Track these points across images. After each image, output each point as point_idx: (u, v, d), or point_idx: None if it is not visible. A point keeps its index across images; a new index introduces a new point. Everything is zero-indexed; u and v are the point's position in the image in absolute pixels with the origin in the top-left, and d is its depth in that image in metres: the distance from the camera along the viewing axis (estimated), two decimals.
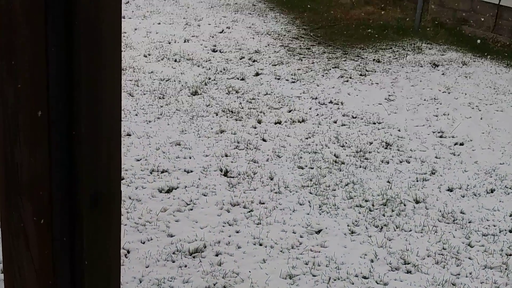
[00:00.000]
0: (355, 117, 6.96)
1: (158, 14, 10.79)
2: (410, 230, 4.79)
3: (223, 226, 4.66)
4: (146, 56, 8.51)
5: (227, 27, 10.25)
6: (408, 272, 4.29)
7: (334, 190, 5.32)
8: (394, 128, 6.73)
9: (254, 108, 7.01)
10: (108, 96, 1.90)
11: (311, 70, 8.40)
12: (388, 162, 5.93)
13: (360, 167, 5.78)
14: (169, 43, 9.21)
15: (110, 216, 2.05)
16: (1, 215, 2.00)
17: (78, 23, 1.74)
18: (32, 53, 1.78)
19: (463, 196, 5.39)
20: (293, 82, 7.96)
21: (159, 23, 10.21)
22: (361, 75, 8.36)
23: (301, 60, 8.82)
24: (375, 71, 8.53)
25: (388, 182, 5.53)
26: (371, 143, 6.32)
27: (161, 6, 11.40)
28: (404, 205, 5.15)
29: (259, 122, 6.66)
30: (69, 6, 1.75)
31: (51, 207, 1.93)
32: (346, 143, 6.27)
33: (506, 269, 4.38)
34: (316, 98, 7.44)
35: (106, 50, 1.84)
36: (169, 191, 5.10)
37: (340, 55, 9.17)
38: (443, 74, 8.54)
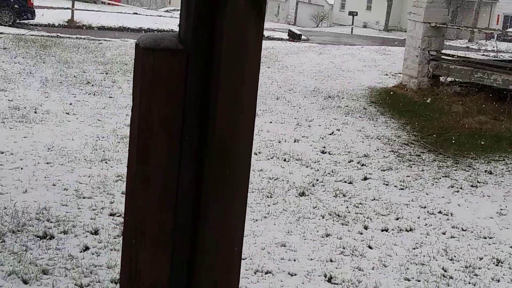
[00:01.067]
0: (465, 230, 6.78)
1: (270, 113, 11.04)
2: None
3: None
4: (256, 154, 8.68)
5: (337, 129, 10.35)
6: None
7: None
8: (506, 244, 6.50)
9: (361, 213, 6.96)
10: (233, 212, 1.95)
11: (421, 178, 8.31)
12: (498, 281, 5.71)
13: (469, 283, 5.59)
14: (279, 142, 9.38)
15: None
16: None
17: (211, 141, 1.83)
18: (166, 161, 1.87)
19: None
20: (402, 189, 7.88)
21: (270, 122, 10.44)
22: (472, 186, 8.19)
23: (411, 167, 8.75)
24: (487, 183, 8.33)
25: None
26: (481, 259, 6.11)
27: (273, 105, 11.67)
28: None
29: (366, 228, 6.60)
30: (204, 124, 1.84)
31: None
32: (454, 256, 6.10)
33: None
34: (425, 207, 7.33)
35: (236, 170, 1.91)
36: None
37: (451, 164, 9.04)
38: None
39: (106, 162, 7.67)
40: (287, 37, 27.78)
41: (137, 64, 1.95)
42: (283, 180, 7.78)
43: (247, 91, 2.08)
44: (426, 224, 6.84)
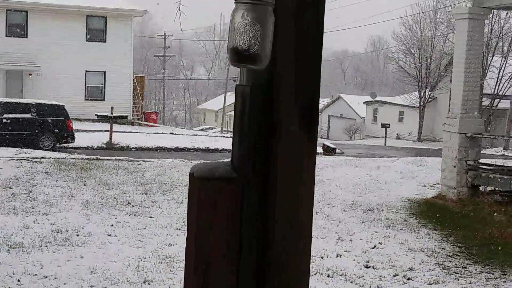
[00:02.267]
0: None
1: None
2: None
3: None
4: None
5: (379, 243, 10.22)
6: None
7: None
8: None
9: None
10: None
11: None
12: None
13: None
14: (322, 257, 9.27)
15: None
16: None
17: (270, 267, 1.84)
18: None
19: None
20: None
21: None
22: None
23: (458, 280, 8.54)
24: None
25: None
26: None
27: (313, 220, 11.62)
28: None
29: None
30: (263, 250, 1.85)
31: None
32: None
33: None
34: None
35: None
36: None
37: (499, 276, 8.81)
38: None
39: (149, 284, 7.64)
40: (322, 151, 28.00)
41: (192, 194, 1.99)
42: None
43: (303, 213, 2.10)
44: None
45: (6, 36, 36.34)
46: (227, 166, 2.01)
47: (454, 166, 13.93)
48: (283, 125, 1.92)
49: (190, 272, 2.00)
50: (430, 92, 50.24)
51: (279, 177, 1.92)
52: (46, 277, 7.65)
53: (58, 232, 9.77)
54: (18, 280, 7.48)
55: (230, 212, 1.91)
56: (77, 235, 9.69)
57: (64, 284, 7.46)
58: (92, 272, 7.93)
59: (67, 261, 8.34)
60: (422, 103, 50.27)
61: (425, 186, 15.99)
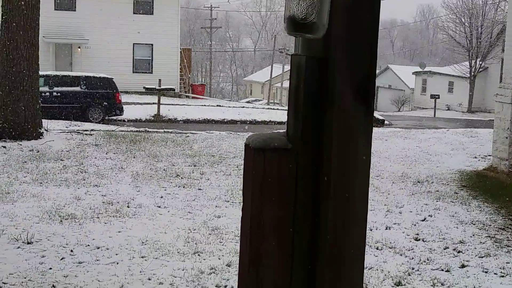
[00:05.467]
0: None
1: None
2: None
3: None
4: None
5: (429, 215, 10.11)
6: None
7: None
8: None
9: None
10: None
11: None
12: None
13: None
14: (371, 230, 9.22)
15: None
16: None
17: (323, 241, 1.81)
18: (278, 262, 1.86)
19: None
20: (502, 276, 7.56)
21: None
22: None
23: (510, 253, 8.41)
24: None
25: None
26: None
27: None
28: None
29: None
30: (316, 222, 1.83)
31: None
32: None
33: None
34: None
35: (351, 269, 1.88)
36: None
37: None
38: None
39: (198, 255, 7.70)
40: None
41: (248, 164, 1.97)
42: (377, 270, 7.60)
43: (358, 187, 2.06)
44: None
45: (55, 9, 36.80)
46: (283, 137, 1.97)
47: (506, 137, 13.66)
48: (339, 97, 1.88)
49: (245, 243, 1.98)
50: (481, 62, 49.31)
51: (333, 151, 1.87)
52: (98, 247, 7.77)
53: (109, 203, 9.92)
54: (71, 251, 7.62)
55: (284, 183, 1.88)
56: (128, 206, 9.82)
57: (116, 254, 7.58)
58: (143, 243, 8.03)
59: (119, 232, 8.46)
60: (472, 74, 49.40)
61: (476, 158, 15.75)
